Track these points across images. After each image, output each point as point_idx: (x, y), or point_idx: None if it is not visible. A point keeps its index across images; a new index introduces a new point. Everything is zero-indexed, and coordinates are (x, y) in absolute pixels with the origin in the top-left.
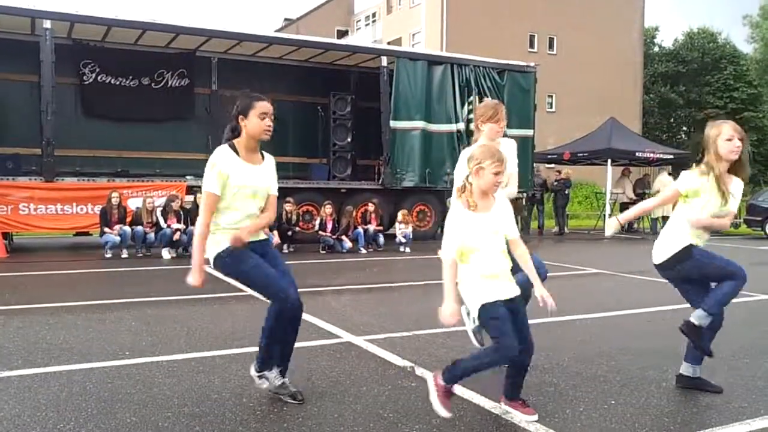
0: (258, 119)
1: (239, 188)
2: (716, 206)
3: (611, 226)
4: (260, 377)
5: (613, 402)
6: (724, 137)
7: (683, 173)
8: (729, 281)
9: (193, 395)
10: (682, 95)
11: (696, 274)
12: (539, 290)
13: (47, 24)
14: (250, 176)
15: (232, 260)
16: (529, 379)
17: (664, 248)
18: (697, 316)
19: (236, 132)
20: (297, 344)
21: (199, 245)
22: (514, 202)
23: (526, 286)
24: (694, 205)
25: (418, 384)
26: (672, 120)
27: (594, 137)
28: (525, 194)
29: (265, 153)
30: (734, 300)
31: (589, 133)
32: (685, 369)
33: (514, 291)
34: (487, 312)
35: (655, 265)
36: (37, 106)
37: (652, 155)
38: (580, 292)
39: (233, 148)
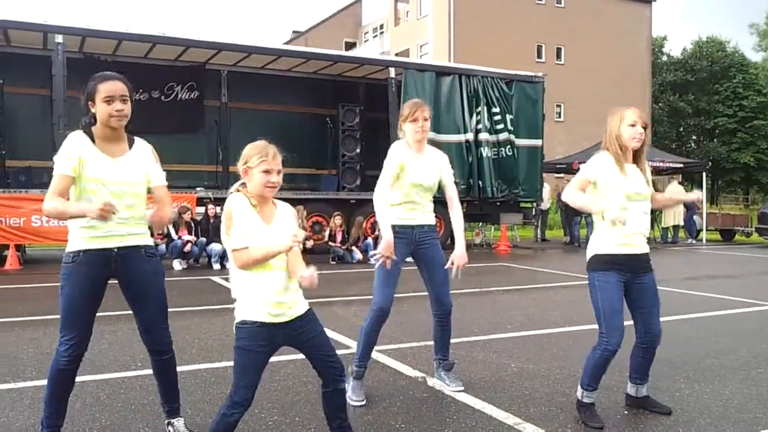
0: (104, 104)
1: (93, 183)
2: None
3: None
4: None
5: (626, 413)
6: (627, 122)
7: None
8: (593, 348)
9: (205, 406)
10: (691, 104)
11: None
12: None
13: (59, 38)
14: (107, 170)
15: (67, 270)
16: (540, 389)
17: (588, 247)
18: (579, 393)
19: (94, 119)
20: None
21: (71, 207)
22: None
23: None
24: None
25: (429, 395)
26: (681, 129)
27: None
28: (535, 204)
29: (137, 139)
30: (743, 310)
31: (598, 142)
32: (629, 388)
33: (295, 312)
34: (238, 335)
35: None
36: (49, 119)
37: (661, 164)
38: None
39: (89, 134)
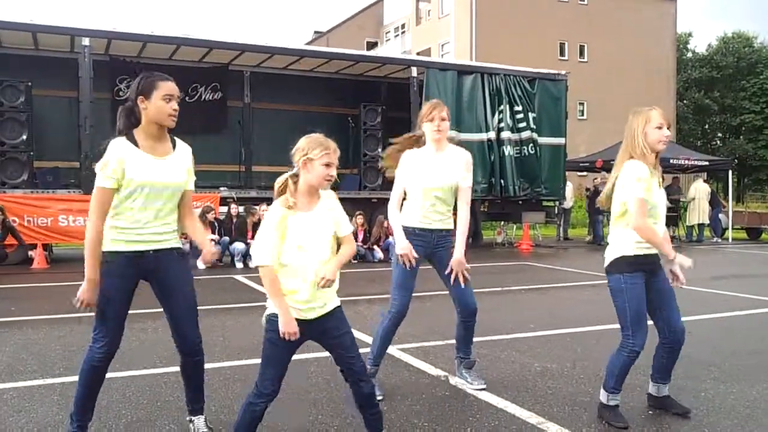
0: (162, 101)
1: (139, 186)
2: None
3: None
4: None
5: (650, 413)
6: (654, 124)
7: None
8: (617, 351)
9: (229, 403)
10: (716, 101)
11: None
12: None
13: (86, 41)
14: (154, 171)
15: (103, 269)
16: (564, 389)
17: (609, 250)
18: (602, 396)
19: (133, 118)
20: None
21: (92, 254)
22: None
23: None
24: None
25: (451, 393)
26: (706, 126)
27: None
28: (558, 203)
29: (178, 140)
30: None
31: (620, 141)
32: (651, 388)
33: (324, 309)
34: (267, 326)
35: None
36: (76, 121)
37: (686, 162)
38: None
39: (131, 140)
